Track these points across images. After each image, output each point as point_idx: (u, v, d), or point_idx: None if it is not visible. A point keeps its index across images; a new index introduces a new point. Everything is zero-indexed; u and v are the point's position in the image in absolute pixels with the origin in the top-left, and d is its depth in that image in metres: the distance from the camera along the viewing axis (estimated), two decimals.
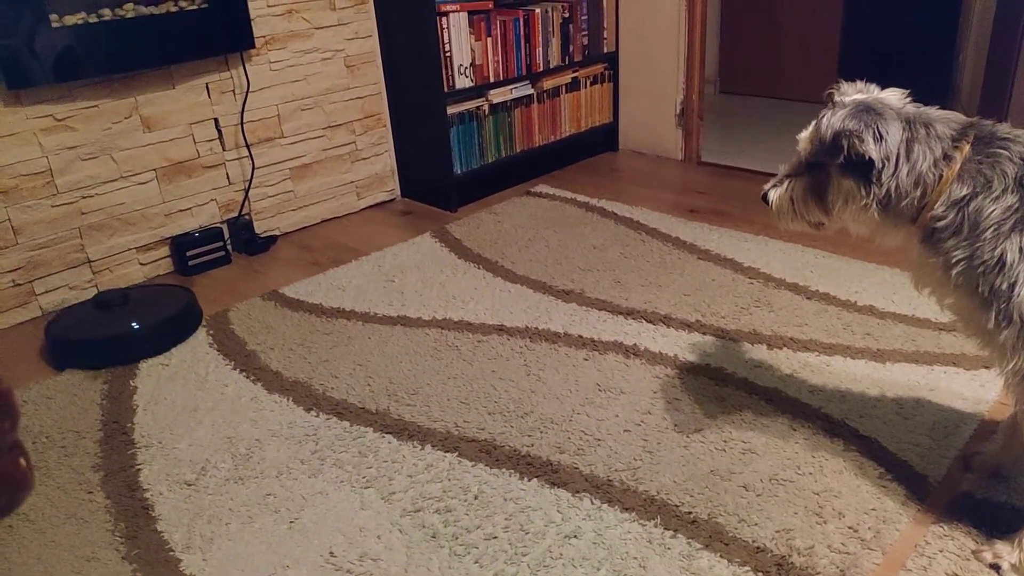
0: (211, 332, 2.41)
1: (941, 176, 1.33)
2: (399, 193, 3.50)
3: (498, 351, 2.23)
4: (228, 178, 2.94)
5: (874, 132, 1.33)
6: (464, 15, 3.10)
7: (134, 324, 2.34)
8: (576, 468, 1.74)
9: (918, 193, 1.35)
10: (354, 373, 2.16)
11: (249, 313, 2.51)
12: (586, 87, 3.69)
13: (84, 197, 2.60)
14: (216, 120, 2.85)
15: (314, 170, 3.17)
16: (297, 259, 2.93)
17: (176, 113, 2.75)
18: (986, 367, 2.00)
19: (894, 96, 1.42)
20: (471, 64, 3.18)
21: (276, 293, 2.64)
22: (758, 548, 1.49)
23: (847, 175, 1.39)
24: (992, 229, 1.29)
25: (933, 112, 1.39)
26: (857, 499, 1.60)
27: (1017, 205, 1.28)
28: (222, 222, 2.96)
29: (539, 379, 2.08)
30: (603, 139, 3.93)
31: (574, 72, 3.61)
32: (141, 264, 2.80)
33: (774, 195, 1.55)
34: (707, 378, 2.04)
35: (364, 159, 3.31)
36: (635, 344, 2.21)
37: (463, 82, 3.17)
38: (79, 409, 2.06)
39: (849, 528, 1.53)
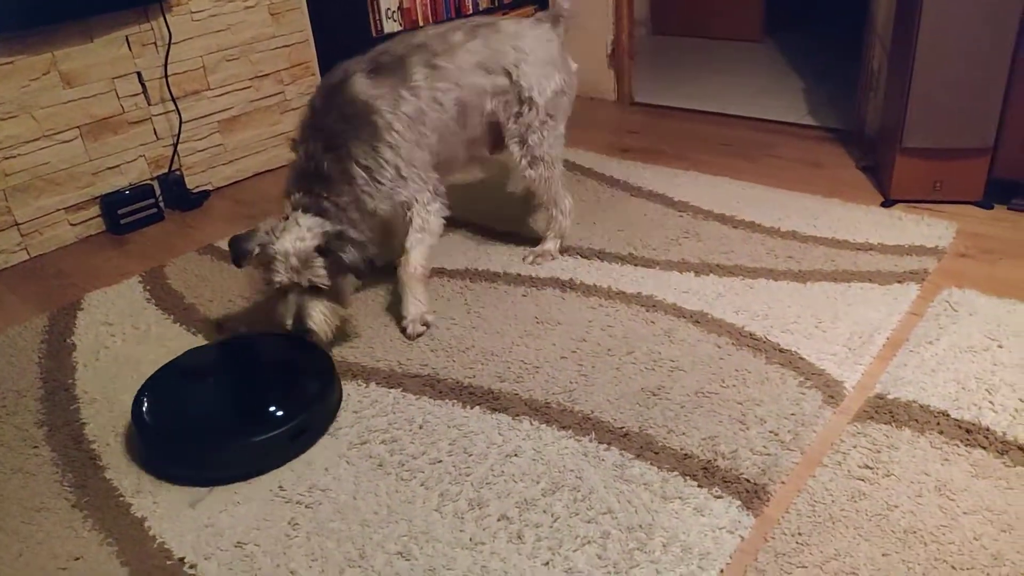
0: (148, 288, 2.39)
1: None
2: None
3: (438, 292, 2.27)
4: (156, 133, 2.88)
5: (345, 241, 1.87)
6: None
7: (275, 411, 1.71)
8: (516, 394, 1.82)
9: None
10: None
11: (185, 268, 2.50)
12: None
13: (6, 158, 2.53)
14: (139, 74, 2.78)
15: (243, 122, 3.12)
16: (232, 213, 2.91)
17: (96, 68, 2.67)
18: (899, 281, 2.12)
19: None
20: (399, 7, 3.16)
21: (212, 247, 2.62)
22: (686, 455, 1.59)
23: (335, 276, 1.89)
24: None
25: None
26: (778, 406, 1.71)
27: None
28: (152, 179, 2.91)
29: (480, 316, 2.14)
30: None
31: (504, 14, 3.60)
32: (72, 225, 2.74)
33: (314, 324, 1.88)
34: (639, 305, 2.12)
35: (294, 109, 3.27)
36: (571, 279, 2.28)
37: (391, 26, 3.15)
38: (17, 369, 2.04)
39: (770, 432, 1.63)
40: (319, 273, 1.86)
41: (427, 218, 2.09)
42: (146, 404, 1.73)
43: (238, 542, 1.48)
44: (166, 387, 1.80)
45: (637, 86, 3.83)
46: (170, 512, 1.56)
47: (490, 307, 2.18)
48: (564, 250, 2.44)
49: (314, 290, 1.88)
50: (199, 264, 2.52)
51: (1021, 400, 1.67)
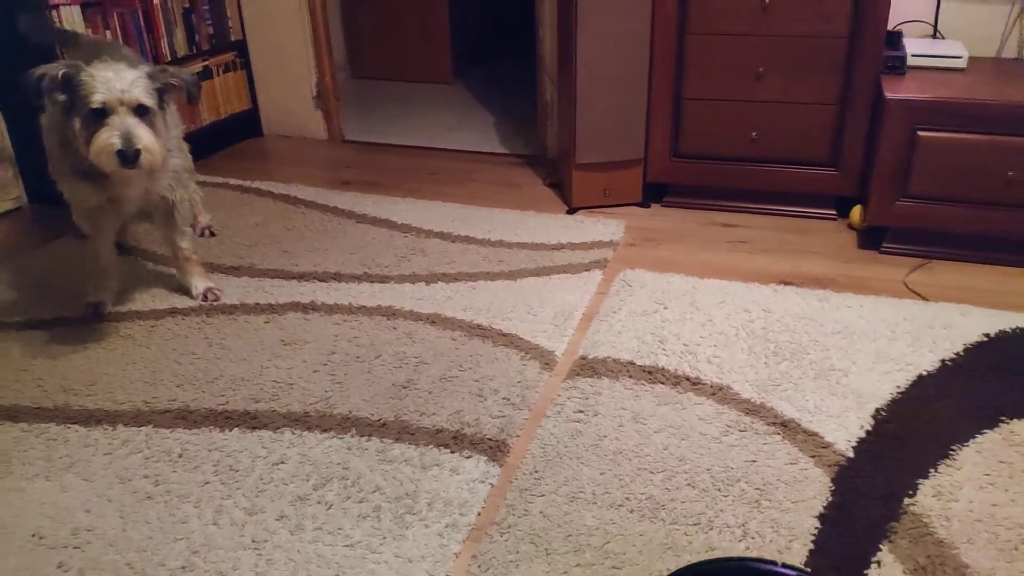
0: None
1: None
2: (26, 200, 3.24)
3: (175, 331, 2.28)
4: None
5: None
6: (77, 8, 2.97)
7: None
8: (274, 411, 1.92)
9: None
10: (20, 379, 2.06)
11: None
12: (219, 75, 3.73)
13: None
14: None
15: None
16: None
17: None
18: (587, 270, 2.56)
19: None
20: None
21: None
22: (438, 430, 1.82)
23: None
24: None
25: None
26: (507, 378, 2.01)
27: None
28: None
29: (223, 347, 2.20)
30: (245, 125, 3.99)
31: (204, 61, 3.63)
32: None
33: (147, 144, 1.87)
34: (380, 316, 2.32)
35: None
36: (312, 301, 2.42)
37: None
38: None
39: (504, 399, 1.93)
40: (145, 92, 1.87)
41: (185, 215, 2.40)
42: None
43: None
44: None
45: (346, 125, 4.05)
46: None
47: (232, 337, 2.24)
48: (300, 276, 2.57)
49: (137, 113, 1.86)
50: None
51: (684, 345, 2.14)
